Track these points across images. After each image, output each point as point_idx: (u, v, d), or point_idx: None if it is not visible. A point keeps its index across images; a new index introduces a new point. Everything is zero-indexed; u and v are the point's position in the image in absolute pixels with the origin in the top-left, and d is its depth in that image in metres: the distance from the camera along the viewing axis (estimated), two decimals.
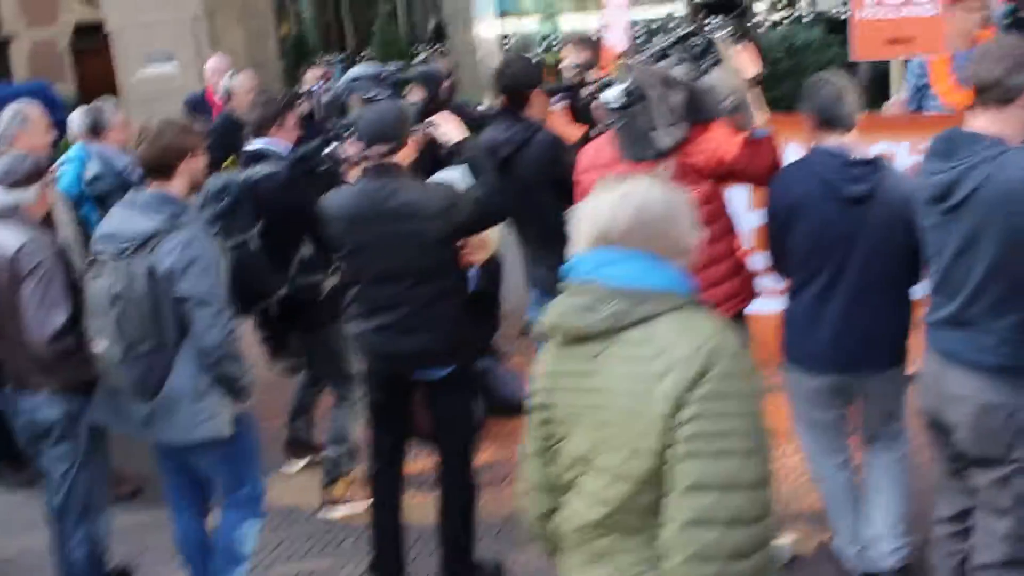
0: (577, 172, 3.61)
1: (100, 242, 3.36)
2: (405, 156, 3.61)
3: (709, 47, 3.19)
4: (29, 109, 4.90)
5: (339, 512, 4.57)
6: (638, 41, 5.64)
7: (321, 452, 5.07)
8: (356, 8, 12.86)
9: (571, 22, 11.65)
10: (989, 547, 2.87)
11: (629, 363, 1.85)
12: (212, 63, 6.12)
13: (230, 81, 6.09)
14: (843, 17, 7.73)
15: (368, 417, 3.92)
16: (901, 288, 3.22)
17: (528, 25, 11.46)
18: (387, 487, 3.87)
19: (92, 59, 16.78)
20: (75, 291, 3.55)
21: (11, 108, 4.88)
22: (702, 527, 1.75)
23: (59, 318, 3.48)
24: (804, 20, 10.98)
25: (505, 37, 10.73)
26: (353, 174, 4.41)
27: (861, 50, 4.45)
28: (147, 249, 3.23)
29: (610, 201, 1.94)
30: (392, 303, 3.56)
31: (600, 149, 3.55)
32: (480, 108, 6.04)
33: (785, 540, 3.69)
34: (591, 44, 5.72)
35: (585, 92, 4.19)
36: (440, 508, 3.80)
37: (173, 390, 3.29)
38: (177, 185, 3.39)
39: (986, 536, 2.88)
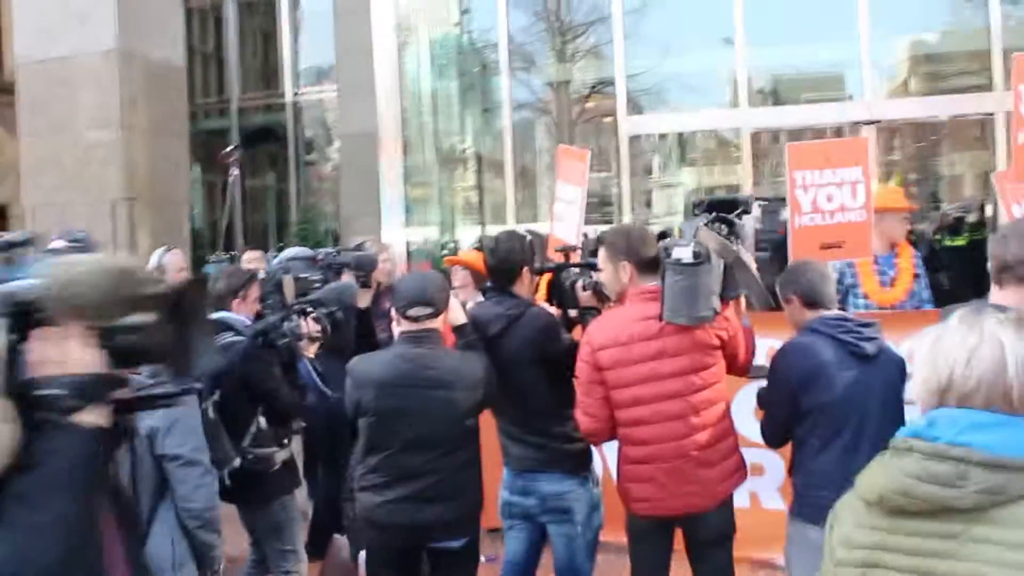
0: (592, 349, 3.54)
1: None
2: (440, 324, 3.63)
3: (731, 231, 3.44)
4: None
5: None
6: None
7: None
8: (247, 210, 13.17)
9: (474, 232, 12.25)
10: None
11: (1006, 549, 1.59)
12: (174, 259, 6.20)
13: (162, 258, 6.11)
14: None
15: None
16: None
17: (429, 232, 11.94)
18: None
19: None
20: None
21: None
22: None
23: None
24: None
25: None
26: (311, 349, 4.48)
27: (797, 254, 4.84)
28: None
29: (978, 350, 1.69)
30: (420, 472, 3.50)
31: (615, 326, 3.55)
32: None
33: None
34: (540, 239, 6.01)
35: (569, 273, 4.21)
36: None
37: (152, 559, 3.11)
38: None
39: None
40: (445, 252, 11.64)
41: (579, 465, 3.89)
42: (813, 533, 3.36)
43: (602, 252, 3.74)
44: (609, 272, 3.68)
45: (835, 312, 3.52)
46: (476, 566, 3.77)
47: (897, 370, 3.42)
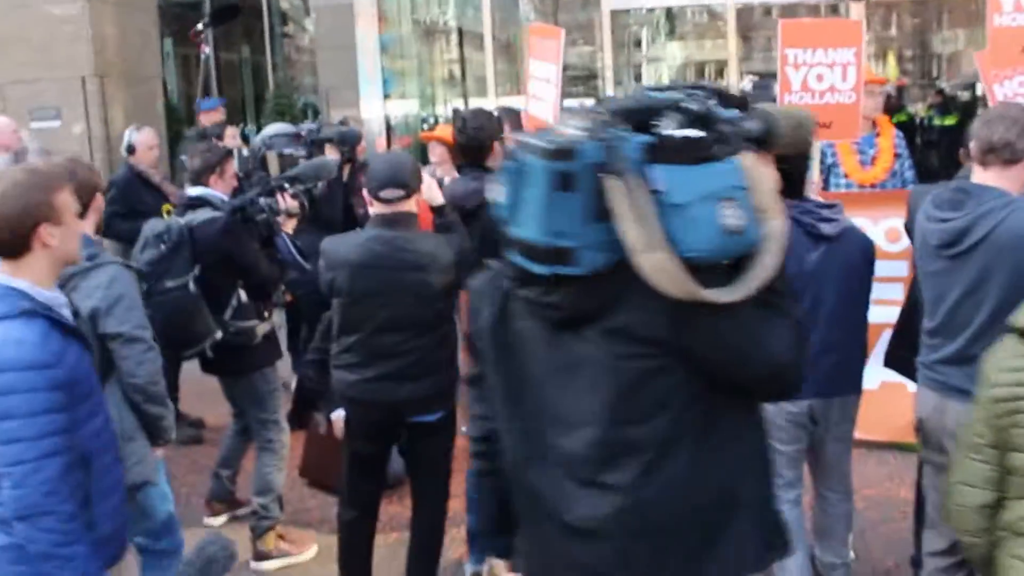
0: None
1: None
2: (413, 206, 3.62)
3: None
4: None
5: (271, 564, 4.48)
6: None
7: (241, 506, 5.00)
8: (222, 84, 12.91)
9: (456, 106, 12.08)
10: None
11: None
12: (145, 137, 6.12)
13: (133, 136, 6.05)
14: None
15: (347, 466, 3.86)
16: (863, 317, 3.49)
17: (409, 107, 11.77)
18: (360, 535, 3.86)
19: None
20: None
21: None
22: None
23: None
24: None
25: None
26: (289, 225, 4.50)
27: None
28: (64, 290, 3.07)
29: None
30: (394, 352, 3.56)
31: None
32: None
33: None
34: (513, 113, 5.99)
35: None
36: (413, 549, 3.86)
37: None
38: (89, 224, 3.30)
39: None
40: (425, 127, 11.53)
41: None
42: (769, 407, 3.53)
43: None
44: None
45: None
46: (453, 437, 3.85)
47: (860, 252, 3.39)
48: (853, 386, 3.51)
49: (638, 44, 13.23)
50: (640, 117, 1.89)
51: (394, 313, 3.52)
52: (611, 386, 1.90)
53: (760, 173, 1.90)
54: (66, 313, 2.55)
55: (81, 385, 2.48)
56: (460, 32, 12.74)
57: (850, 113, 4.99)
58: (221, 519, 4.92)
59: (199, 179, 4.39)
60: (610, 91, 9.91)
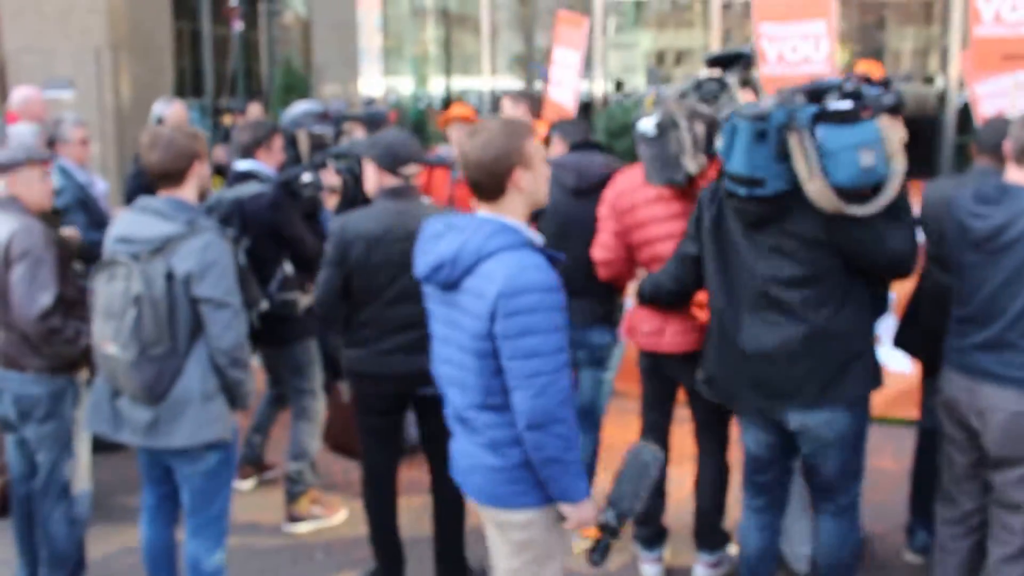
0: (614, 193, 3.89)
1: (114, 245, 3.37)
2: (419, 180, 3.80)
3: (723, 90, 3.63)
4: None
5: (304, 527, 4.68)
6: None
7: (269, 470, 5.17)
8: (216, 58, 12.94)
9: (452, 84, 12.21)
10: (1006, 541, 3.34)
11: None
12: (175, 113, 6.13)
13: (163, 109, 6.12)
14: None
15: (363, 438, 3.99)
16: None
17: (404, 85, 11.89)
18: (383, 504, 3.98)
19: None
20: (64, 278, 3.64)
21: None
22: None
23: (46, 299, 3.52)
24: None
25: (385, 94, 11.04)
26: (331, 200, 4.64)
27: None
28: (163, 253, 3.26)
29: None
30: (406, 324, 3.65)
31: (635, 176, 3.82)
32: None
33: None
34: (528, 98, 6.13)
35: None
36: (436, 517, 3.98)
37: (183, 392, 3.30)
38: (188, 191, 3.44)
39: (1003, 532, 3.35)
40: (420, 106, 11.64)
41: (617, 320, 4.29)
42: None
43: None
44: None
45: None
46: None
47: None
48: None
49: (616, 30, 13.41)
50: (814, 94, 2.98)
51: (406, 284, 3.56)
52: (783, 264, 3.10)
53: (891, 131, 2.92)
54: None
55: None
56: (446, 14, 12.83)
57: None
58: (250, 482, 5.10)
59: (248, 153, 4.50)
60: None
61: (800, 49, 5.41)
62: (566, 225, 4.11)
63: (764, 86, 5.27)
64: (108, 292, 3.30)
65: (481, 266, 2.55)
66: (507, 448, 2.63)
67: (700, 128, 3.47)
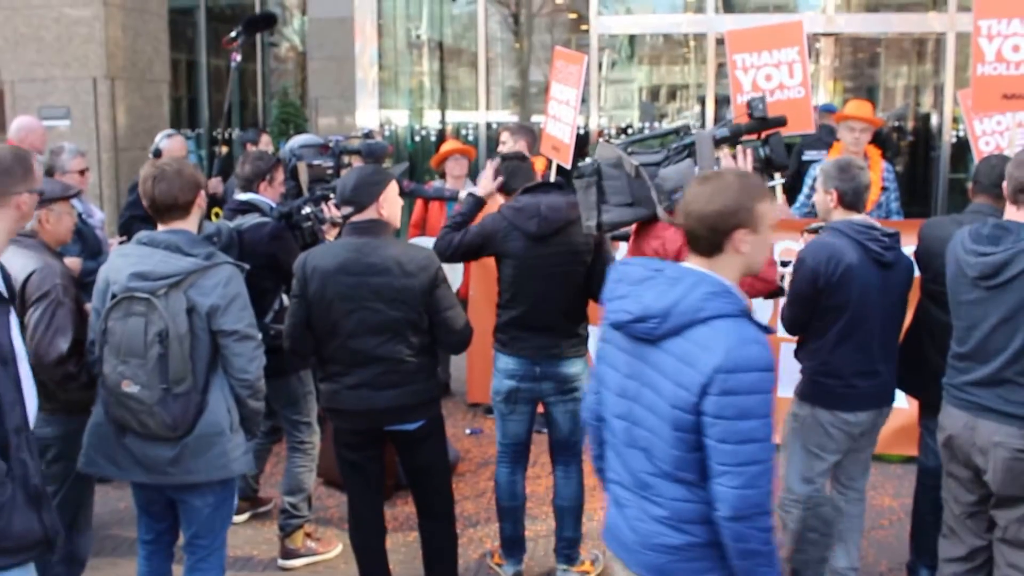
0: None
1: (128, 281, 3.27)
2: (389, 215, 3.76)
3: (691, 146, 3.60)
4: None
5: (299, 562, 4.61)
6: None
7: (264, 504, 5.12)
8: (211, 89, 12.98)
9: (447, 117, 12.27)
10: None
11: None
12: (174, 144, 6.17)
13: (163, 142, 6.13)
14: None
15: (343, 474, 3.95)
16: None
17: (399, 117, 11.94)
18: (368, 542, 3.91)
19: None
20: (80, 319, 3.55)
21: None
22: None
23: (63, 344, 3.43)
24: None
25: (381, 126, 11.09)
26: (332, 234, 4.63)
27: None
28: (181, 287, 3.23)
29: None
30: (370, 358, 3.62)
31: None
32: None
33: None
34: (528, 132, 6.14)
35: None
36: (426, 555, 3.91)
37: (209, 427, 3.28)
38: (193, 222, 3.42)
39: (1011, 570, 3.32)
40: (418, 139, 11.68)
41: (585, 349, 4.25)
42: (823, 415, 3.76)
43: None
44: None
45: (862, 217, 3.76)
46: (439, 443, 3.86)
47: (907, 276, 3.77)
48: (892, 398, 3.89)
49: (612, 66, 13.51)
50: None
51: (365, 317, 3.58)
52: None
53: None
54: None
55: None
56: (441, 47, 12.92)
57: (802, 107, 5.37)
58: (243, 516, 5.03)
59: (249, 185, 4.52)
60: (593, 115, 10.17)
61: (774, 77, 5.50)
62: (528, 260, 4.11)
63: (739, 114, 5.37)
64: (125, 330, 3.24)
65: (695, 330, 2.27)
66: (692, 526, 2.34)
67: (618, 180, 3.50)
